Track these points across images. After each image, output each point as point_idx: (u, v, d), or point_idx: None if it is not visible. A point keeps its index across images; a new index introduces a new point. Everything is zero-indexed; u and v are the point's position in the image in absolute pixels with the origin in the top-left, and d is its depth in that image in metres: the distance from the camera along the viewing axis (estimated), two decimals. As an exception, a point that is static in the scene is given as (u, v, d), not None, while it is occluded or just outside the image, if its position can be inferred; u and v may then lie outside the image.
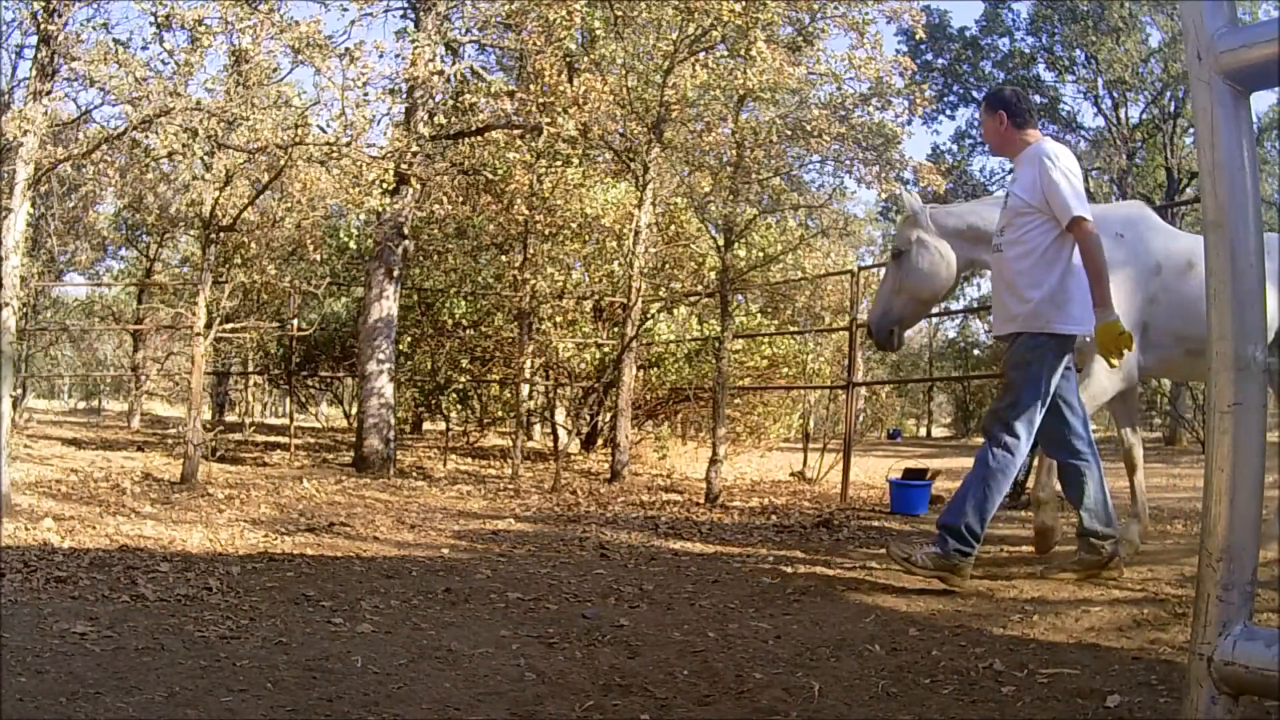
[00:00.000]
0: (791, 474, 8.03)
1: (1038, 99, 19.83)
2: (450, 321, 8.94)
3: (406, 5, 7.56)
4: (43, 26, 4.16)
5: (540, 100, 6.77)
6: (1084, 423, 3.19)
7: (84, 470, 5.68)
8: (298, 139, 5.43)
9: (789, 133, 6.78)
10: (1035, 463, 3.97)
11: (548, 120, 6.46)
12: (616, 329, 8.52)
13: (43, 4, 4.14)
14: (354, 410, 9.82)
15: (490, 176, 7.58)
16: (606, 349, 8.68)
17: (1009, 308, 3.11)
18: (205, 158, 5.40)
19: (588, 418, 9.37)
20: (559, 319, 8.42)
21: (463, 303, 9.02)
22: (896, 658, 2.25)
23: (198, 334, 5.44)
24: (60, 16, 4.19)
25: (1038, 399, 3.04)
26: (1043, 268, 3.02)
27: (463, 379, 9.04)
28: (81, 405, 18.47)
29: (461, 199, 7.74)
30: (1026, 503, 5.61)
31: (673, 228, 8.91)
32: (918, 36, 9.74)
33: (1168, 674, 2.03)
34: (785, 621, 2.64)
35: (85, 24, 4.52)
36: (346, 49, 5.62)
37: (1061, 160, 3.01)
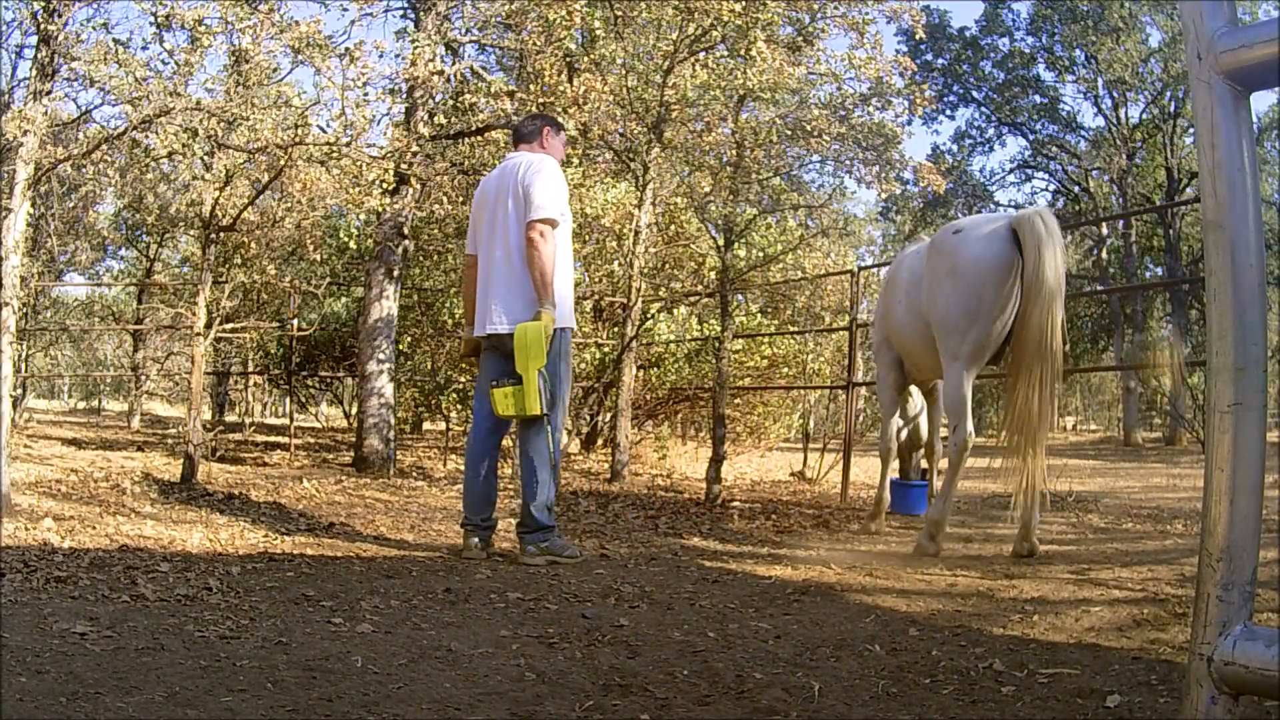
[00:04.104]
0: (791, 474, 8.03)
1: (1038, 99, 19.86)
2: (450, 321, 8.94)
3: (406, 5, 7.56)
4: (43, 26, 4.15)
5: (540, 100, 6.77)
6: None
7: (84, 470, 5.67)
8: (298, 139, 5.42)
9: (789, 133, 6.78)
10: None
11: (548, 120, 6.45)
12: (616, 329, 8.52)
13: (43, 4, 4.13)
14: (354, 410, 9.82)
15: (490, 177, 7.57)
16: (606, 349, 8.68)
17: None
18: (205, 158, 5.40)
19: (588, 418, 9.37)
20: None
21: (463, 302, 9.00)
22: (896, 658, 2.25)
23: (198, 334, 5.43)
24: (60, 16, 4.18)
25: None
26: None
27: (463, 379, 9.04)
28: (81, 405, 18.47)
29: (462, 199, 7.73)
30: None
31: (673, 228, 8.91)
32: (918, 36, 9.73)
33: (1168, 674, 2.03)
34: (785, 621, 2.64)
35: (85, 24, 4.50)
36: (346, 49, 5.61)
37: None
